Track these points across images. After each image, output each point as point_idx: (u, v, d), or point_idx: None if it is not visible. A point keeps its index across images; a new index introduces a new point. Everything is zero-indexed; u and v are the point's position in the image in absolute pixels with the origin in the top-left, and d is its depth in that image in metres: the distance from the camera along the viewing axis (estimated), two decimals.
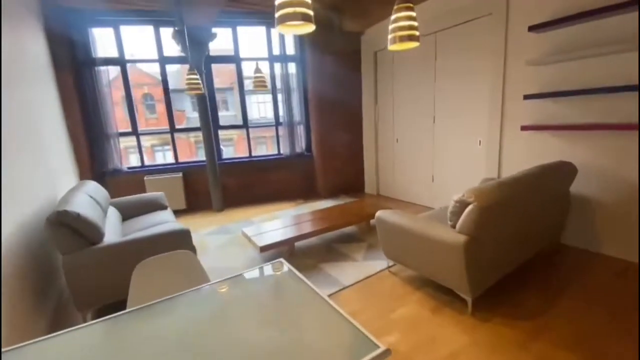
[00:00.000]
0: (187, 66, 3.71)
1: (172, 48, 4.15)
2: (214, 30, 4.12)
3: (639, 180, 2.33)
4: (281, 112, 4.78)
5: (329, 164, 4.85)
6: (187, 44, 3.88)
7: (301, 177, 4.97)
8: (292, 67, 4.67)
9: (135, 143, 4.41)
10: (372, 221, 3.42)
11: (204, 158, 4.41)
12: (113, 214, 2.89)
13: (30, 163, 2.47)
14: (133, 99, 4.31)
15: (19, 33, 2.97)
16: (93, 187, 2.79)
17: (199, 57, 4.05)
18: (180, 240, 2.18)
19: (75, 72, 3.83)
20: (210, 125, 4.29)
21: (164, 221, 2.84)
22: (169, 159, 4.65)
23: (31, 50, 3.20)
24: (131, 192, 4.26)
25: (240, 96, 4.71)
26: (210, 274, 1.52)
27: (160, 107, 15.36)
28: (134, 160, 4.58)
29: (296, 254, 2.87)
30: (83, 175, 3.93)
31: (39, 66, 3.35)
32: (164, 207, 3.31)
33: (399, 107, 4.34)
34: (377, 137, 4.80)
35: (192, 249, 2.22)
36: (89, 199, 2.33)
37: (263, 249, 2.59)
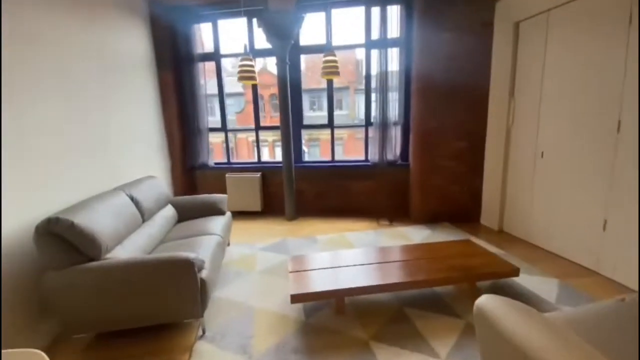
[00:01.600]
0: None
1: (263, 40, 3.83)
2: (303, 15, 3.57)
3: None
4: (374, 110, 3.88)
5: (430, 178, 3.67)
6: (270, 32, 3.46)
7: (390, 191, 3.97)
8: (393, 55, 3.69)
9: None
10: (481, 282, 2.20)
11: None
12: (167, 215, 2.69)
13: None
14: (224, 95, 4.24)
15: (126, 33, 3.11)
16: (147, 184, 2.63)
17: (282, 46, 3.58)
18: (182, 272, 1.66)
19: (175, 68, 3.95)
20: (289, 123, 3.80)
21: (208, 231, 2.45)
22: (277, 156, 4.43)
23: (137, 50, 3.37)
24: (213, 187, 4.23)
25: (329, 90, 4.04)
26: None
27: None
28: (219, 156, 4.59)
29: (346, 313, 2.00)
30: (175, 169, 4.07)
31: (143, 64, 3.52)
32: (221, 212, 2.98)
33: (550, 102, 2.79)
34: (507, 147, 3.31)
35: (194, 283, 1.68)
36: (117, 203, 2.09)
37: (295, 298, 1.84)
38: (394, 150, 3.87)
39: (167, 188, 3.02)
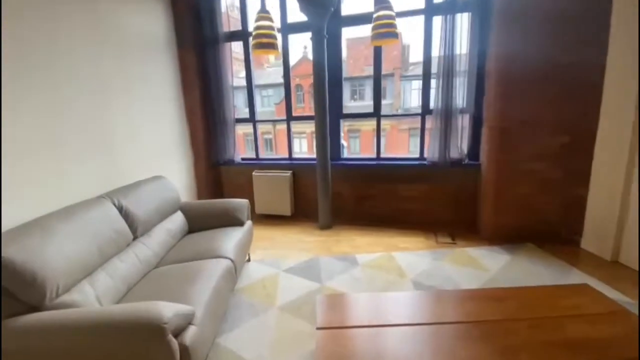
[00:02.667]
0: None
1: (297, 13, 3.13)
2: None
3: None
4: (433, 95, 3.02)
5: (510, 184, 2.76)
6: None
7: (452, 198, 3.11)
8: (462, 23, 2.79)
9: (252, 131, 3.81)
10: None
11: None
12: (171, 227, 2.18)
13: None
14: (253, 82, 3.65)
15: (137, 8, 2.62)
16: (148, 188, 2.12)
17: (319, 15, 2.86)
18: (149, 340, 1.08)
19: (198, 49, 3.43)
20: (325, 111, 3.10)
21: (217, 252, 1.88)
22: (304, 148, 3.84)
23: (151, 26, 2.88)
24: (240, 186, 3.71)
25: (375, 69, 3.25)
26: None
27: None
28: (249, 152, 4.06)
29: None
30: (198, 164, 3.61)
31: (160, 43, 3.03)
32: (240, 222, 2.41)
33: None
34: (634, 147, 2.29)
35: (168, 356, 1.09)
36: (95, 218, 1.57)
37: None
38: (460, 147, 3.00)
39: (178, 191, 2.52)
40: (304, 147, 15.67)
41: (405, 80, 14.31)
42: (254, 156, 3.83)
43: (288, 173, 3.48)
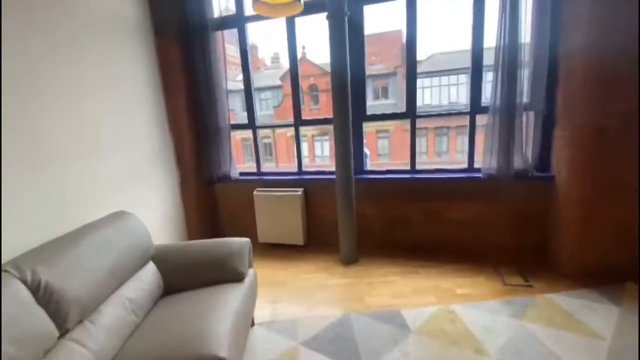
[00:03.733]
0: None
1: None
2: None
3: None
4: (489, 89, 2.29)
5: (604, 205, 2.02)
6: None
7: (515, 222, 2.38)
8: (526, 2, 2.07)
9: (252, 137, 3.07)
10: None
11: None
12: (133, 297, 1.43)
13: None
14: (251, 78, 2.92)
15: None
16: (97, 240, 1.38)
17: None
18: None
19: (182, 39, 2.70)
20: (347, 114, 2.37)
21: (204, 341, 1.14)
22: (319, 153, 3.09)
23: (117, 7, 2.14)
24: (240, 208, 2.97)
25: (409, 62, 2.52)
26: None
27: (323, 97, 15.12)
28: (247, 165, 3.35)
29: None
30: (185, 183, 2.86)
31: (130, 29, 2.30)
32: (238, 277, 1.66)
33: None
34: None
35: None
36: None
37: None
38: (524, 154, 2.27)
39: (156, 226, 1.82)
40: (304, 152, 14.94)
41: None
42: (254, 169, 3.09)
43: (298, 191, 2.74)
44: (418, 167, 2.64)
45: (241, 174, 3.04)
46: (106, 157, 2.03)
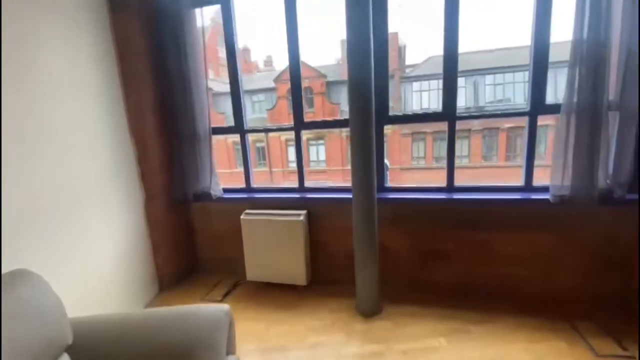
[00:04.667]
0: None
1: None
2: None
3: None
4: (562, 83, 1.67)
5: None
6: None
7: (596, 259, 1.76)
8: None
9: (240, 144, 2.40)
10: None
11: (348, 183, 1.93)
12: None
13: None
14: (239, 73, 2.25)
15: None
16: None
17: None
18: None
19: (148, 17, 2.04)
20: (369, 114, 1.71)
21: None
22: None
23: None
24: (222, 235, 2.29)
25: (448, 56, 1.88)
26: None
27: (318, 101, 14.51)
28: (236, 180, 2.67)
29: None
30: (152, 203, 2.17)
31: (69, 1, 1.62)
32: None
33: None
34: None
35: None
36: None
37: None
38: (606, 169, 1.66)
39: (61, 307, 1.11)
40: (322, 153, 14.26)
41: (406, 82, 13.12)
42: (243, 185, 2.41)
43: (300, 215, 2.08)
44: (459, 184, 2.00)
45: (226, 190, 2.36)
46: (25, 174, 1.34)
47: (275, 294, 2.11)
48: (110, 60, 1.92)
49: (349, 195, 1.85)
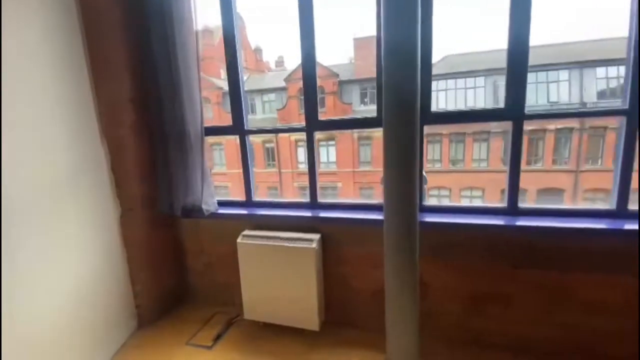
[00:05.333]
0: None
1: None
2: None
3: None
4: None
5: None
6: None
7: None
8: None
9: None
10: None
11: (375, 199, 1.46)
12: None
13: None
14: (239, 64, 1.80)
15: None
16: None
17: None
18: None
19: None
20: (413, 111, 1.22)
21: None
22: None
23: None
24: (219, 261, 1.85)
25: (515, 44, 1.39)
26: None
27: (330, 100, 14.05)
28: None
29: None
30: (130, 219, 1.74)
31: None
32: None
33: None
34: None
35: None
36: None
37: None
38: None
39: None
40: (303, 157, 13.81)
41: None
42: (243, 198, 1.96)
43: (313, 240, 1.61)
44: (524, 205, 1.50)
45: (223, 204, 1.92)
46: None
47: (279, 339, 1.65)
48: (75, 37, 1.50)
49: (379, 216, 1.39)
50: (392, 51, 1.18)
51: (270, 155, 14.31)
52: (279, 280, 1.65)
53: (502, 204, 1.52)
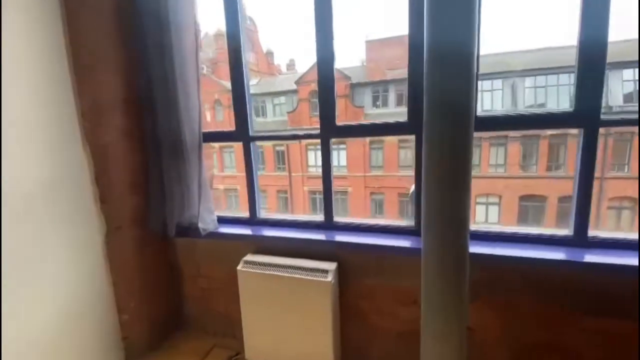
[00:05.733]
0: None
1: None
2: None
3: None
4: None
5: None
6: None
7: None
8: None
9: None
10: None
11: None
12: None
13: None
14: (244, 62, 1.54)
15: None
16: None
17: None
18: None
19: None
20: (468, 116, 0.94)
21: None
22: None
23: None
24: (214, 286, 1.58)
25: (590, 25, 1.09)
26: None
27: (341, 103, 13.74)
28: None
29: None
30: (117, 236, 1.50)
31: None
32: None
33: None
34: None
35: None
36: None
37: None
38: None
39: None
40: (319, 160, 13.42)
41: None
42: (246, 215, 1.69)
43: (328, 271, 1.33)
44: (595, 234, 1.19)
45: (223, 221, 1.67)
46: None
47: None
48: (54, 23, 1.28)
49: (413, 244, 1.10)
50: (440, 47, 0.89)
51: (281, 158, 14.13)
52: (286, 317, 1.37)
53: (567, 231, 1.21)
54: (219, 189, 14.18)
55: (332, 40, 1.38)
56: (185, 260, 1.71)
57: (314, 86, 13.64)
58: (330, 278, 1.29)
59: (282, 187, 13.72)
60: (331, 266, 1.34)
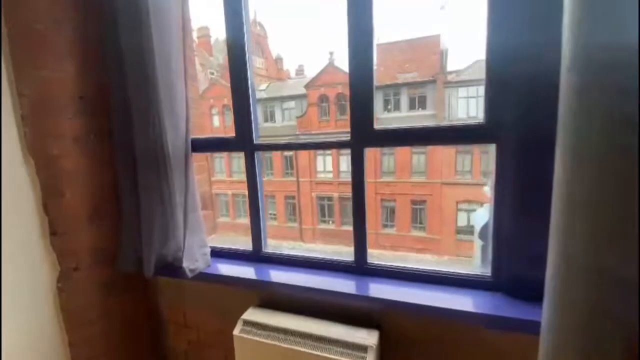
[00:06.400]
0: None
1: None
2: None
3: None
4: None
5: None
6: None
7: None
8: None
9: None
10: None
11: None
12: None
13: None
14: (248, 61, 1.13)
15: None
16: None
17: None
18: None
19: None
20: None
21: None
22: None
23: None
24: (206, 340, 1.14)
25: None
26: None
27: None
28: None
29: None
30: (73, 280, 1.09)
31: None
32: None
33: None
34: None
35: None
36: None
37: None
38: None
39: None
40: (328, 166, 13.05)
41: (451, 87, 11.65)
42: (249, 247, 1.27)
43: (367, 350, 0.89)
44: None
45: (218, 254, 1.25)
46: None
47: None
48: None
49: (499, 308, 0.65)
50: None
51: (289, 163, 13.75)
52: None
53: None
54: (227, 194, 13.87)
55: (372, 19, 0.95)
56: (169, 304, 1.29)
57: (324, 90, 13.28)
58: (371, 358, 0.85)
59: (291, 193, 13.35)
60: (371, 338, 0.90)
